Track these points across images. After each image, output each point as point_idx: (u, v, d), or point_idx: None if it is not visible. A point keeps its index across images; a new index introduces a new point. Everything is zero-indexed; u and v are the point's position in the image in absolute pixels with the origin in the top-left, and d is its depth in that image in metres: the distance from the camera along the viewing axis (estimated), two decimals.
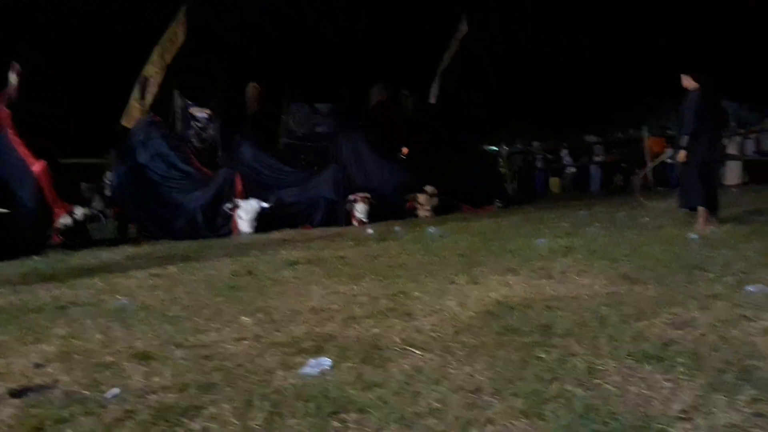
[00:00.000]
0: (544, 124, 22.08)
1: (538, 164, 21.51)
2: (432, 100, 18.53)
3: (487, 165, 16.83)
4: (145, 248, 8.63)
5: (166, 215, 10.40)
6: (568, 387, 2.62)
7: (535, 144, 21.96)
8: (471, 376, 2.85)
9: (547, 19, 18.99)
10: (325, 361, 3.13)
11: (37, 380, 3.10)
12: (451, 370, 2.93)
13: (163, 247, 8.81)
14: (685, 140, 7.74)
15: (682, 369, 2.74)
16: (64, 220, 9.17)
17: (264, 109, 15.63)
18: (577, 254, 6.06)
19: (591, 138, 20.74)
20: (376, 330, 3.74)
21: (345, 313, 4.20)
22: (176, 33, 14.12)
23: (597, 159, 19.91)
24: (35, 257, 8.13)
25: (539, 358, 2.98)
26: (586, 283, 4.75)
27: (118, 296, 5.27)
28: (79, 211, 9.40)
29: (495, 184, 15.43)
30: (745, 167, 15.76)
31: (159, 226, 10.23)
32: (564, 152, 20.92)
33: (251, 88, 14.99)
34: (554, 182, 20.69)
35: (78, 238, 9.19)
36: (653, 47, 19.33)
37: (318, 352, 3.35)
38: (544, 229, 8.41)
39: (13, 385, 3.02)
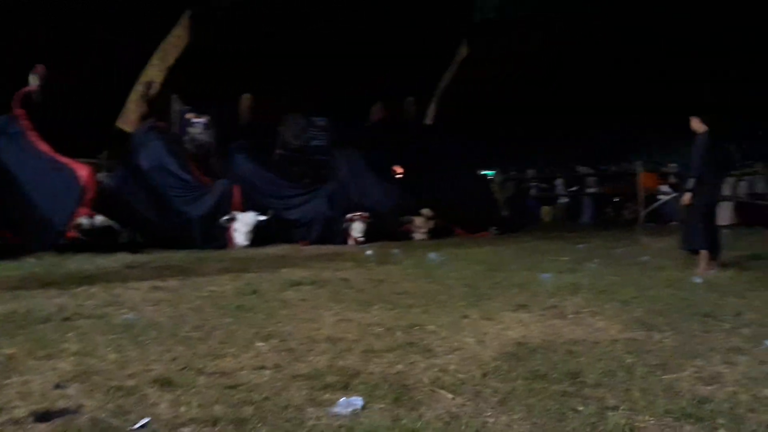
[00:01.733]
0: (539, 152, 22.18)
1: (532, 192, 21.59)
2: (429, 121, 18.62)
3: (483, 190, 16.83)
4: (140, 257, 8.50)
5: (162, 223, 10.25)
6: None
7: (529, 172, 22.07)
8: (509, 426, 2.81)
9: (550, 49, 19.12)
10: (357, 401, 3.06)
11: (60, 403, 3.00)
12: (488, 419, 2.88)
13: (158, 256, 8.68)
14: (691, 183, 7.79)
15: (723, 431, 2.72)
16: (83, 221, 9.21)
17: (260, 120, 15.59)
18: (585, 293, 6.05)
19: (584, 169, 20.87)
20: (399, 366, 3.68)
21: (363, 345, 4.14)
22: (180, 36, 14.05)
23: (589, 190, 20.03)
24: (30, 260, 7.97)
25: (576, 411, 2.94)
26: (602, 326, 4.73)
27: (123, 309, 5.17)
28: (100, 219, 9.44)
29: (491, 210, 15.43)
30: (736, 208, 15.92)
31: (154, 233, 10.06)
32: (558, 181, 21.02)
33: (245, 99, 14.94)
34: (546, 211, 20.76)
35: (98, 241, 9.20)
36: (652, 84, 19.50)
37: (345, 388, 3.28)
38: (545, 262, 8.40)
39: (36, 407, 2.92)
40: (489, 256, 9.22)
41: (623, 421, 2.81)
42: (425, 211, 12.57)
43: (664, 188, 17.29)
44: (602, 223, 18.18)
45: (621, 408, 2.97)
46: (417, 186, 13.78)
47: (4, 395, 3.10)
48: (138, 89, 13.55)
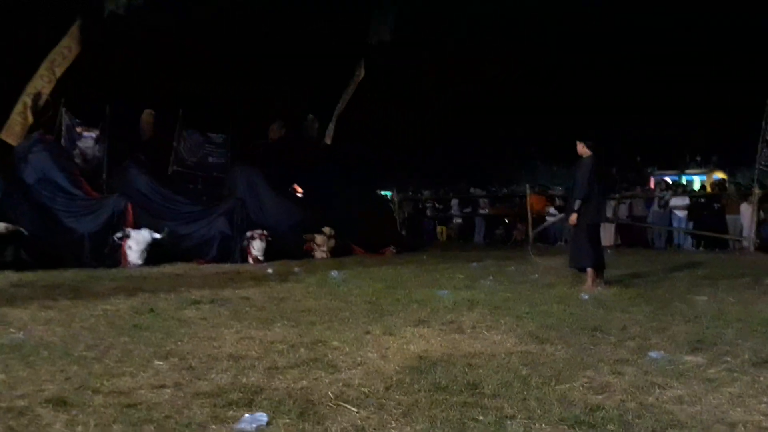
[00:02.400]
0: (434, 173, 22.80)
1: (428, 212, 22.07)
2: (327, 140, 18.70)
3: (382, 209, 17.06)
4: (28, 275, 8.06)
5: (49, 240, 9.73)
6: None
7: (426, 192, 22.57)
8: None
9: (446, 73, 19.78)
10: (261, 417, 3.05)
11: None
12: (392, 430, 2.95)
13: (47, 275, 8.26)
14: (577, 204, 8.20)
15: None
16: None
17: (156, 135, 15.19)
18: (482, 308, 6.27)
19: (477, 191, 21.58)
20: (304, 382, 3.70)
21: (266, 362, 4.13)
22: (69, 47, 13.49)
23: (482, 211, 20.70)
24: None
25: (477, 420, 3.06)
26: (498, 339, 4.92)
27: (11, 329, 4.90)
28: (2, 225, 8.98)
29: (389, 229, 15.64)
30: (617, 230, 16.89)
31: (41, 250, 9.53)
32: (454, 202, 21.60)
33: (146, 115, 14.54)
34: (441, 230, 21.29)
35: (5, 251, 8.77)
36: (540, 109, 20.55)
37: (249, 405, 3.27)
38: (443, 280, 8.63)
39: None
40: (389, 274, 9.35)
41: (521, 430, 2.95)
42: (326, 229, 12.59)
43: (552, 210, 18.11)
44: (494, 243, 18.86)
45: (519, 417, 3.11)
46: (317, 204, 13.80)
47: None
48: (24, 100, 12.87)
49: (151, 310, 5.95)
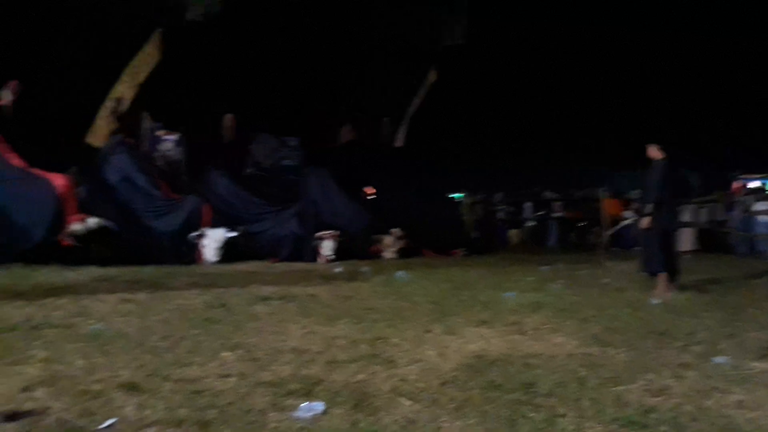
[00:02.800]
0: (507, 176, 22.59)
1: (500, 215, 21.89)
2: (399, 143, 18.84)
3: (452, 212, 17.06)
4: (110, 270, 8.49)
5: (131, 238, 10.22)
6: None
7: (497, 196, 22.40)
8: (463, 430, 2.94)
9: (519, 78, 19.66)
10: (318, 406, 3.18)
11: (27, 405, 3.07)
12: (444, 424, 3.02)
13: (128, 270, 8.67)
14: (648, 208, 8.05)
15: None
16: (76, 227, 9.29)
17: (235, 139, 15.68)
18: (547, 311, 6.22)
19: (550, 194, 21.28)
20: (361, 376, 3.80)
21: (327, 356, 4.25)
22: (150, 53, 14.11)
23: (555, 215, 20.38)
24: None
25: (527, 417, 3.09)
26: (560, 341, 4.89)
27: (91, 320, 5.21)
28: (93, 221, 9.46)
29: (459, 232, 15.63)
30: (698, 235, 16.33)
31: (123, 247, 10.03)
32: (527, 205, 21.36)
33: (227, 119, 15.02)
34: (513, 234, 21.06)
35: (93, 245, 9.31)
36: (619, 112, 20.14)
37: (308, 395, 3.40)
38: (510, 282, 8.58)
39: (2, 409, 2.98)
40: (456, 276, 9.37)
41: (571, 427, 2.97)
42: (395, 230, 12.71)
43: (628, 214, 17.66)
44: (567, 247, 18.53)
45: (570, 415, 3.12)
46: (387, 206, 13.93)
47: None
48: (108, 105, 13.55)
49: (223, 304, 6.19)
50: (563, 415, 3.12)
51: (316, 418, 3.05)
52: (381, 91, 18.39)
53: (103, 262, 8.93)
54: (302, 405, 3.18)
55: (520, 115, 21.33)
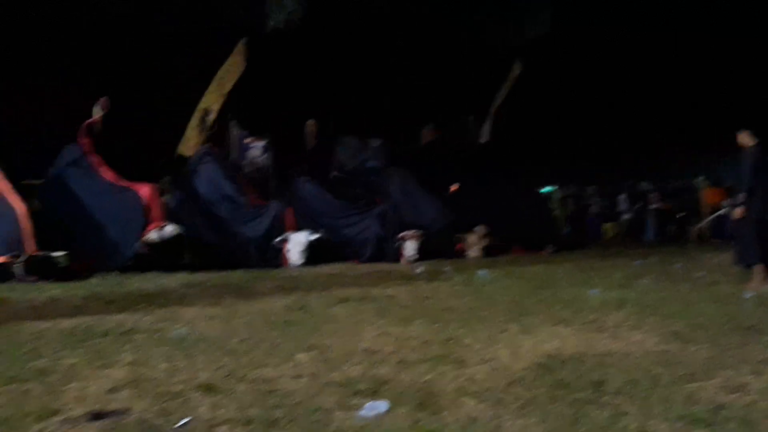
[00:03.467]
0: (600, 168, 21.92)
1: (593, 209, 21.33)
2: (484, 139, 18.68)
3: (540, 207, 16.78)
4: (198, 276, 8.88)
5: (219, 244, 10.66)
6: None
7: (590, 188, 21.83)
8: (523, 429, 2.94)
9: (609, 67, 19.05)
10: (382, 405, 3.25)
11: (112, 405, 3.29)
12: (505, 423, 3.02)
13: (216, 276, 9.04)
14: (742, 196, 7.70)
15: None
16: (152, 235, 9.73)
17: (319, 143, 16.01)
18: (630, 308, 6.06)
19: (646, 185, 20.56)
20: (429, 376, 3.84)
21: (398, 357, 4.32)
22: (236, 63, 14.59)
23: (652, 207, 19.66)
24: (94, 280, 8.45)
25: (590, 416, 3.05)
26: (638, 339, 4.77)
27: (177, 324, 5.48)
28: (170, 228, 9.88)
29: (548, 228, 15.37)
30: None
31: (212, 254, 10.46)
32: (621, 197, 20.73)
33: (309, 125, 15.36)
34: (608, 228, 20.47)
35: (167, 254, 9.67)
36: (714, 100, 19.18)
37: (374, 394, 3.47)
38: (596, 279, 8.38)
39: (90, 409, 3.22)
40: (540, 273, 9.24)
41: (634, 425, 2.91)
42: (478, 228, 12.64)
43: (726, 203, 16.85)
44: (665, 240, 17.84)
45: (635, 414, 3.06)
46: (472, 204, 13.86)
47: (63, 398, 3.42)
48: (196, 116, 14.15)
49: (302, 307, 6.38)
50: (628, 414, 3.06)
51: (379, 417, 3.12)
52: (464, 88, 18.32)
53: (193, 269, 9.35)
54: (367, 404, 3.26)
55: (612, 104, 20.65)
